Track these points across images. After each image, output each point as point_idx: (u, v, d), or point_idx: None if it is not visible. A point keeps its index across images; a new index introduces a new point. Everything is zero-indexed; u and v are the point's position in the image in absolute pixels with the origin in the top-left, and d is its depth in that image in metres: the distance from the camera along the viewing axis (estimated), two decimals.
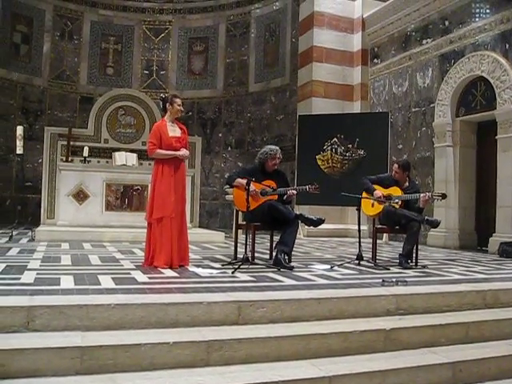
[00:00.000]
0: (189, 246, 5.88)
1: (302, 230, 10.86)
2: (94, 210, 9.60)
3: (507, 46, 8.58)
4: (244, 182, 5.77)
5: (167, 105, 5.74)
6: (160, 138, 5.61)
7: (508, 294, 4.77)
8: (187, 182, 6.57)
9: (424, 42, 10.50)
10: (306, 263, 6.34)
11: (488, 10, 9.04)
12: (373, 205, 6.55)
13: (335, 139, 10.49)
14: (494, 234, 8.54)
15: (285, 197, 6.08)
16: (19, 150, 9.03)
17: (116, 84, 15.09)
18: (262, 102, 14.69)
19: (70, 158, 10.85)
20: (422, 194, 6.32)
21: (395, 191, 6.52)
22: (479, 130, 9.67)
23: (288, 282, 4.81)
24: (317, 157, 10.63)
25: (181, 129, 5.81)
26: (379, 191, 6.50)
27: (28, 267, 5.17)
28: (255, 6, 15.02)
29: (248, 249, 5.69)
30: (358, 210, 6.36)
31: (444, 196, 6.43)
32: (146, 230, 5.70)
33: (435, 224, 6.52)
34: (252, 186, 5.76)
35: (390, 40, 11.54)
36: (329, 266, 5.99)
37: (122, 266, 5.63)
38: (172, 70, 15.70)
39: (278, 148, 6.31)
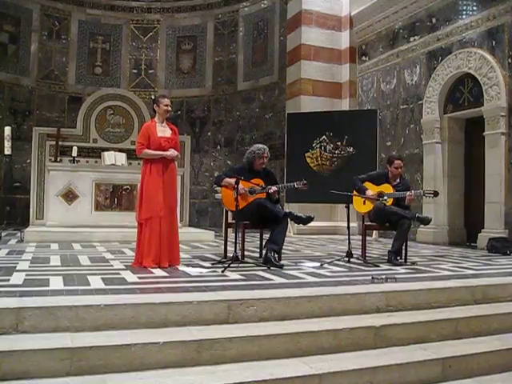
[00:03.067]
0: (180, 246, 5.88)
1: (292, 227, 10.87)
2: (84, 210, 9.57)
3: (494, 42, 8.63)
4: (232, 181, 5.78)
5: (154, 106, 5.75)
6: (148, 138, 5.61)
7: (497, 289, 4.81)
8: (177, 182, 6.56)
9: (411, 39, 10.54)
10: (296, 261, 6.36)
11: (475, 8, 9.09)
12: (364, 202, 6.57)
13: (324, 137, 10.51)
14: (482, 230, 8.59)
15: (269, 191, 6.04)
16: (7, 151, 8.98)
17: (104, 83, 15.02)
18: (250, 100, 14.69)
19: (58, 158, 10.82)
20: (408, 193, 6.32)
21: (386, 189, 6.53)
22: (467, 127, 9.72)
23: (278, 280, 4.82)
24: (306, 155, 10.65)
25: (171, 129, 5.80)
26: (370, 191, 6.51)
27: (17, 268, 5.15)
28: (243, 4, 15.00)
29: (238, 247, 5.70)
30: (348, 207, 6.38)
31: (436, 193, 6.46)
32: (135, 230, 5.71)
33: (426, 221, 6.52)
34: (240, 185, 5.76)
35: (377, 37, 11.57)
36: (318, 264, 6.01)
37: (112, 266, 5.61)
38: (160, 69, 15.65)
39: (265, 147, 6.31)
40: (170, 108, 5.78)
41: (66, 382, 2.99)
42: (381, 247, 8.57)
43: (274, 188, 6.04)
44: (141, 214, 5.54)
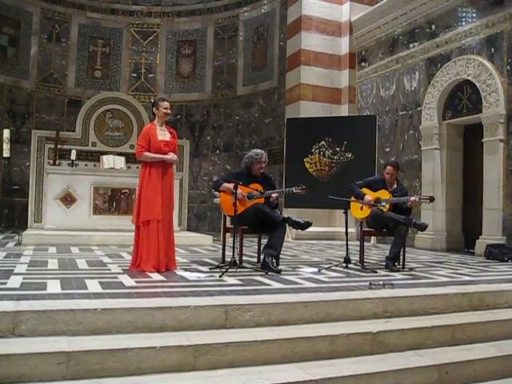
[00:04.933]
0: (176, 250, 5.88)
1: (290, 232, 10.87)
2: (82, 213, 9.56)
3: (493, 50, 8.66)
4: (231, 186, 5.79)
5: (154, 109, 5.76)
6: (149, 141, 5.61)
7: (494, 296, 4.81)
8: (175, 186, 6.57)
9: (411, 45, 10.57)
10: (294, 266, 6.36)
11: (474, 15, 9.12)
12: (362, 208, 6.58)
13: (323, 142, 10.53)
14: (480, 236, 8.60)
15: (270, 199, 6.09)
16: (6, 154, 9.01)
17: (104, 87, 15.06)
18: (250, 105, 14.71)
19: (57, 162, 10.80)
20: (411, 198, 6.34)
21: (383, 194, 6.54)
22: (466, 133, 9.74)
23: (275, 285, 4.82)
24: (305, 160, 10.66)
25: (170, 133, 5.81)
26: (369, 196, 6.52)
27: (14, 272, 5.14)
28: (243, 9, 15.05)
29: (236, 252, 5.69)
30: (346, 212, 6.38)
31: (432, 199, 6.48)
32: (133, 234, 5.70)
33: (423, 227, 6.53)
34: (239, 190, 5.77)
35: (377, 44, 11.61)
36: (316, 269, 6.01)
37: (110, 270, 5.61)
38: (160, 73, 15.68)
39: (263, 152, 6.33)
40: (169, 111, 5.79)
41: None
42: (379, 253, 8.57)
43: (274, 195, 6.05)
44: (139, 217, 5.54)
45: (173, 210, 5.81)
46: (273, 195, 6.04)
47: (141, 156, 5.64)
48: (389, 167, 6.70)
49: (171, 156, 5.65)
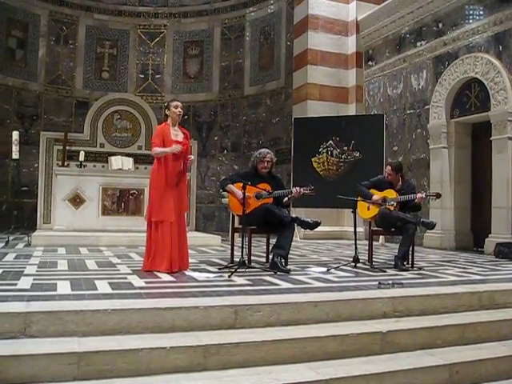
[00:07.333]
0: (188, 251, 5.89)
1: (299, 232, 10.87)
2: (91, 214, 9.60)
3: (501, 47, 8.62)
4: (236, 189, 5.84)
5: (166, 110, 5.79)
6: (163, 139, 5.63)
7: (504, 294, 4.79)
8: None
9: (418, 44, 10.53)
10: (303, 266, 6.35)
11: (481, 12, 9.08)
12: (369, 208, 6.57)
13: (331, 142, 10.52)
14: (489, 235, 8.56)
15: (285, 199, 6.12)
16: (15, 155, 9.01)
17: (111, 88, 15.09)
18: (257, 105, 14.71)
19: (65, 163, 10.84)
20: (418, 195, 6.32)
21: (390, 193, 6.53)
22: (474, 132, 9.70)
23: (285, 285, 4.82)
24: (312, 159, 10.65)
25: (183, 133, 5.84)
26: (377, 195, 6.51)
27: (24, 273, 5.17)
28: (250, 9, 15.05)
29: (244, 252, 5.69)
30: (354, 212, 6.38)
31: (438, 195, 6.47)
32: (142, 234, 5.74)
33: (431, 226, 6.52)
34: (241, 191, 5.78)
35: (384, 42, 11.58)
36: (325, 269, 6.00)
37: (119, 270, 5.62)
38: (167, 74, 15.71)
39: (267, 151, 6.32)
40: (180, 110, 5.78)
41: None
42: (387, 252, 8.55)
43: (285, 199, 6.09)
44: (152, 216, 5.55)
45: (186, 210, 5.84)
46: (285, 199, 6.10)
47: (155, 151, 5.65)
48: (387, 167, 6.72)
49: (175, 146, 5.61)
